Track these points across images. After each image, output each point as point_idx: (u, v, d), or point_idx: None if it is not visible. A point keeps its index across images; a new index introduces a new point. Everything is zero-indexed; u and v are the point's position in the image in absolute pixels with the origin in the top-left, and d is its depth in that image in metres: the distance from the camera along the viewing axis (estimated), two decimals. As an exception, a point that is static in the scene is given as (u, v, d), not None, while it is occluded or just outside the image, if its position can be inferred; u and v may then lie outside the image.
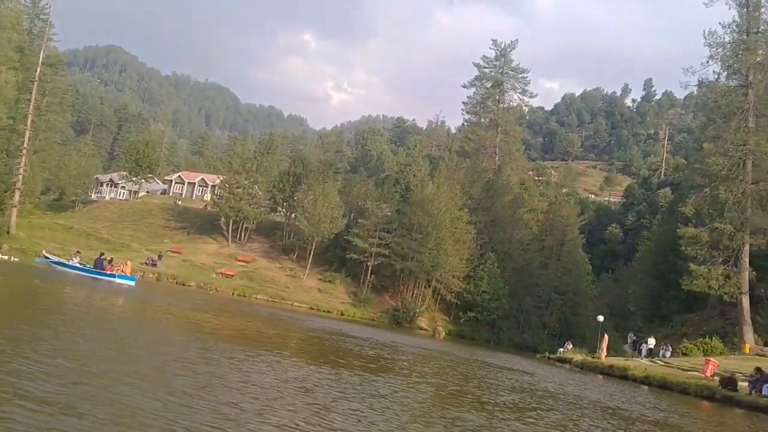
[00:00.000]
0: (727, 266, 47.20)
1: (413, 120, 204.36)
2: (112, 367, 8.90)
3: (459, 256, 64.41)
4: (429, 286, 65.56)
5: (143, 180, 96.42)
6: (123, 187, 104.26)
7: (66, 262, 38.45)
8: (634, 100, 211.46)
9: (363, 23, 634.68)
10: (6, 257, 44.52)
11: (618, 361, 36.77)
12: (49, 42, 71.82)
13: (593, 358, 39.64)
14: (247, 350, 14.39)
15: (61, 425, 5.75)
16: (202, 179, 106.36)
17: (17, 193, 66.79)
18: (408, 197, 70.36)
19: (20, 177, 66.41)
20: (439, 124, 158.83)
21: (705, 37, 49.70)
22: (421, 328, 61.37)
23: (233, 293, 57.11)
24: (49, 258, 40.42)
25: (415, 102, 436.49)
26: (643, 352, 42.43)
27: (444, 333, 60.15)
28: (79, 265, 37.19)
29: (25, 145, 66.81)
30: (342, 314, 59.43)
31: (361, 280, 66.96)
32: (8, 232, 64.82)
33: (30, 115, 66.79)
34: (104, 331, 13.70)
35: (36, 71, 67.34)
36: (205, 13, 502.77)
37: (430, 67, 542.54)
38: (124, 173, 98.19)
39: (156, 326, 17.34)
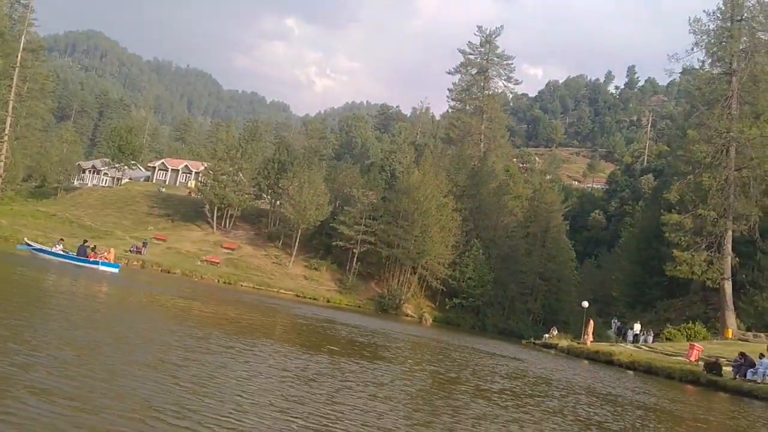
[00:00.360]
0: (710, 252, 47.84)
1: (398, 107, 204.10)
2: (112, 357, 8.80)
3: (444, 243, 64.56)
4: (415, 273, 65.72)
5: (126, 167, 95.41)
6: (106, 174, 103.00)
7: (48, 249, 38.14)
8: (617, 87, 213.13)
9: (346, 8, 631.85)
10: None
11: (603, 347, 37.11)
12: (29, 27, 70.59)
13: (579, 344, 39.97)
14: (243, 339, 14.35)
15: (78, 420, 5.66)
16: (186, 166, 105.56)
17: (-1, 180, 66.02)
18: (394, 184, 70.36)
19: (1, 164, 65.54)
20: (423, 111, 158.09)
21: (690, 24, 50.17)
22: (407, 315, 61.57)
23: (218, 281, 56.79)
24: (31, 245, 40.03)
25: (399, 88, 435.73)
26: (629, 337, 42.85)
27: (431, 319, 60.39)
28: (62, 253, 36.90)
29: (6, 132, 65.84)
30: (328, 301, 59.44)
31: (347, 268, 66.97)
32: (-10, 220, 64.01)
33: (11, 102, 65.84)
34: (94, 320, 13.53)
35: (17, 57, 66.27)
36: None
37: (414, 53, 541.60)
38: (107, 160, 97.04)
39: (146, 314, 17.20)
